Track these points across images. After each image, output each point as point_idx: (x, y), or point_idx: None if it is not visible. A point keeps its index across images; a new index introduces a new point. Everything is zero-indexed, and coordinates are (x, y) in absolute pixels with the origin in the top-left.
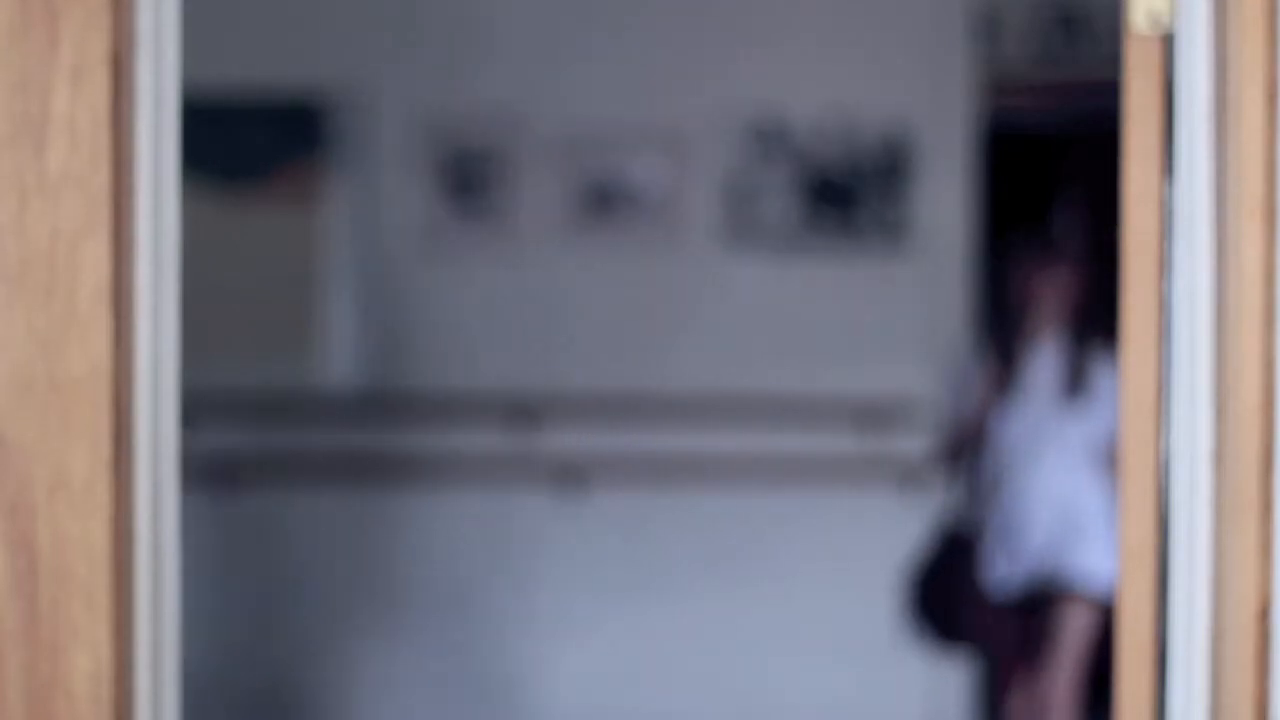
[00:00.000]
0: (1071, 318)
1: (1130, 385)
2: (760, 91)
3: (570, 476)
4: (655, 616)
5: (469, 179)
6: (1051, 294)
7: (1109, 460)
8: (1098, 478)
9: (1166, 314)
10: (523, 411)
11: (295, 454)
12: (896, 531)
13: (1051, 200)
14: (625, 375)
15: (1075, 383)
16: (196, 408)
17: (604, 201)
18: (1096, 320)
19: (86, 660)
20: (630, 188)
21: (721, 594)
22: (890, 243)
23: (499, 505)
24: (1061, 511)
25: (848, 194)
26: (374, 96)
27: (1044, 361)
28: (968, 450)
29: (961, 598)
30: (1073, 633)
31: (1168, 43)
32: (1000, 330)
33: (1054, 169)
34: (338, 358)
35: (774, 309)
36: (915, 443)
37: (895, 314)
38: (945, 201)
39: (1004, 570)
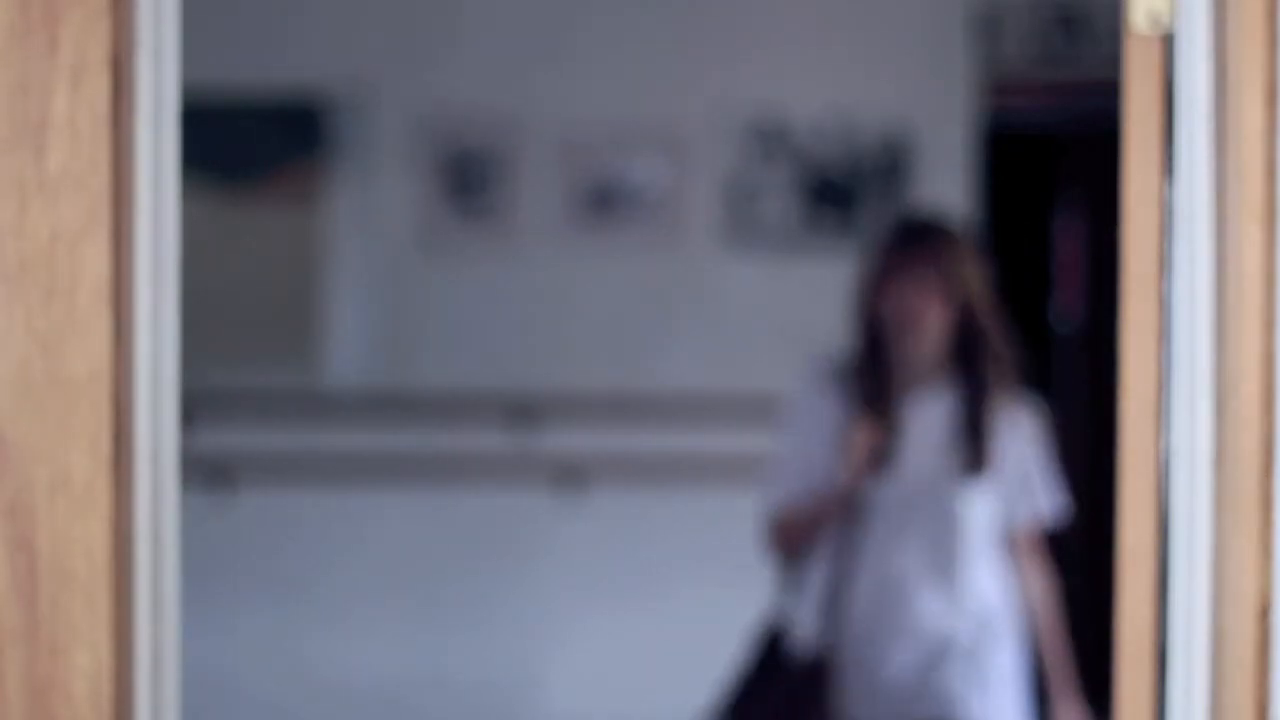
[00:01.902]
0: (964, 357)
1: (1130, 385)
2: (760, 91)
3: (570, 476)
4: (655, 616)
5: (469, 179)
6: (936, 323)
7: (1021, 555)
8: (1003, 583)
9: (1166, 314)
10: (523, 411)
11: (295, 454)
12: None
13: (1051, 200)
14: (625, 375)
15: (975, 449)
16: (196, 408)
17: (604, 201)
18: (995, 360)
19: (86, 660)
20: (630, 188)
21: (721, 594)
22: None
23: (499, 505)
24: (953, 631)
25: (848, 194)
26: (374, 96)
27: (928, 419)
28: (819, 539)
29: None
30: None
31: (1168, 43)
32: (868, 371)
33: (1054, 169)
34: (337, 358)
35: (774, 309)
36: None
37: None
38: (945, 201)
39: (863, 714)
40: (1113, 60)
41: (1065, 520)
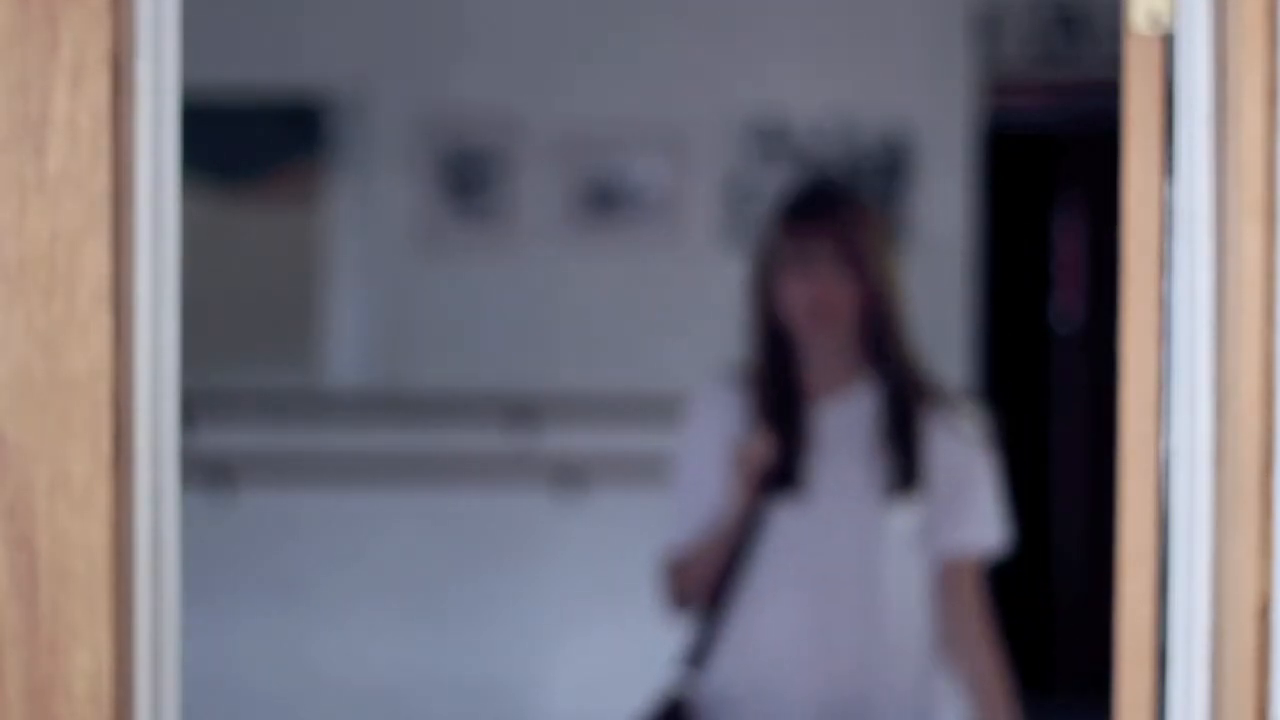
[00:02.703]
0: (883, 350)
1: (1130, 385)
2: (760, 91)
3: (570, 476)
4: (655, 616)
5: (469, 179)
6: (849, 310)
7: (953, 592)
8: (932, 623)
9: (1166, 314)
10: (522, 411)
11: (295, 454)
12: None
13: (1051, 200)
14: (625, 375)
15: (901, 462)
16: (196, 408)
17: (604, 201)
18: (910, 354)
19: (86, 660)
20: (630, 188)
21: None
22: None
23: (498, 505)
24: (870, 684)
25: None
26: (374, 96)
27: (843, 427)
28: (714, 582)
29: None
30: None
31: (1168, 43)
32: (770, 374)
33: (1054, 169)
34: (337, 357)
35: None
36: None
37: None
38: (945, 201)
39: None
40: (1113, 60)
41: (1006, 553)
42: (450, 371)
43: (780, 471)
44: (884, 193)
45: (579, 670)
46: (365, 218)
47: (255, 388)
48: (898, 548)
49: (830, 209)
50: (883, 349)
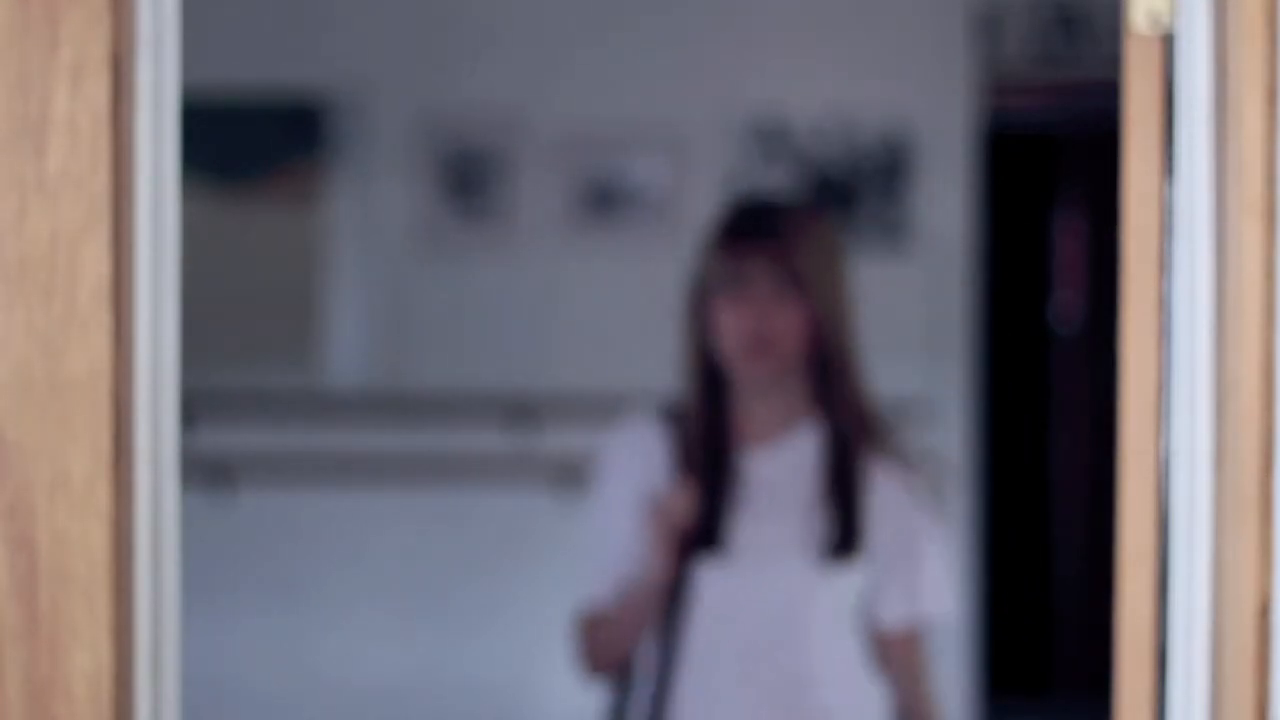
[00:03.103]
0: (827, 389)
1: (1130, 385)
2: (760, 91)
3: (570, 476)
4: None
5: (469, 179)
6: (792, 342)
7: (891, 664)
8: (867, 699)
9: (1166, 314)
10: (523, 411)
11: (295, 454)
12: None
13: (1051, 200)
14: (625, 375)
15: (840, 517)
16: (196, 408)
17: (604, 201)
18: (858, 396)
19: (86, 660)
20: (630, 188)
21: None
22: (890, 242)
23: (499, 505)
24: None
25: (848, 194)
26: (374, 96)
27: (778, 477)
28: (633, 649)
29: None
30: None
31: (1168, 43)
32: (700, 417)
33: (1054, 169)
34: (337, 357)
35: None
36: (915, 443)
37: (895, 314)
38: (945, 201)
39: None
40: (1113, 60)
41: (948, 625)
42: (450, 371)
43: (703, 529)
44: (884, 193)
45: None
46: (365, 218)
47: (255, 388)
48: (833, 617)
49: (770, 225)
50: (829, 387)
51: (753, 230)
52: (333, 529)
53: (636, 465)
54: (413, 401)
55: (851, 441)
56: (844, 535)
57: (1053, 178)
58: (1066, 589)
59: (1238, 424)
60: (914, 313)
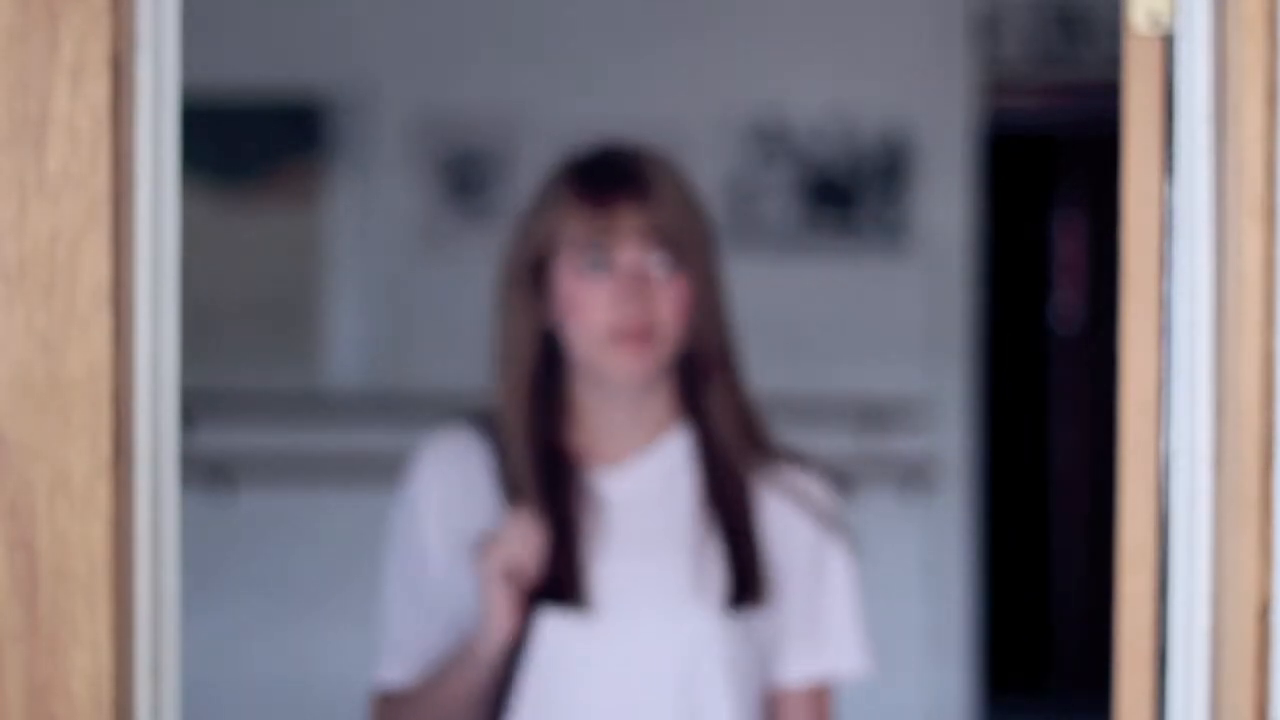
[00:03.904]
0: (700, 388)
1: (1130, 385)
2: (760, 91)
3: None
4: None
5: (469, 179)
6: (663, 328)
7: None
8: None
9: (1166, 314)
10: None
11: (295, 454)
12: (895, 532)
13: (1051, 200)
14: None
15: (732, 562)
16: (196, 408)
17: None
18: (745, 402)
19: (86, 660)
20: None
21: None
22: (890, 243)
23: None
24: None
25: (848, 194)
26: (374, 96)
27: (642, 503)
28: None
29: None
30: None
31: (1168, 43)
32: (533, 429)
33: (1054, 169)
34: (337, 357)
35: (774, 309)
36: (915, 443)
37: (895, 314)
38: (945, 201)
39: None
40: (1113, 60)
41: (862, 679)
42: (450, 371)
43: (550, 575)
44: (884, 193)
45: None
46: (365, 218)
47: (255, 388)
48: (725, 677)
49: (636, 175)
50: (704, 383)
51: (617, 181)
52: (333, 529)
53: (454, 492)
54: (413, 401)
55: (733, 455)
56: (743, 576)
57: (1053, 178)
58: (1066, 589)
59: (1238, 424)
60: (914, 313)
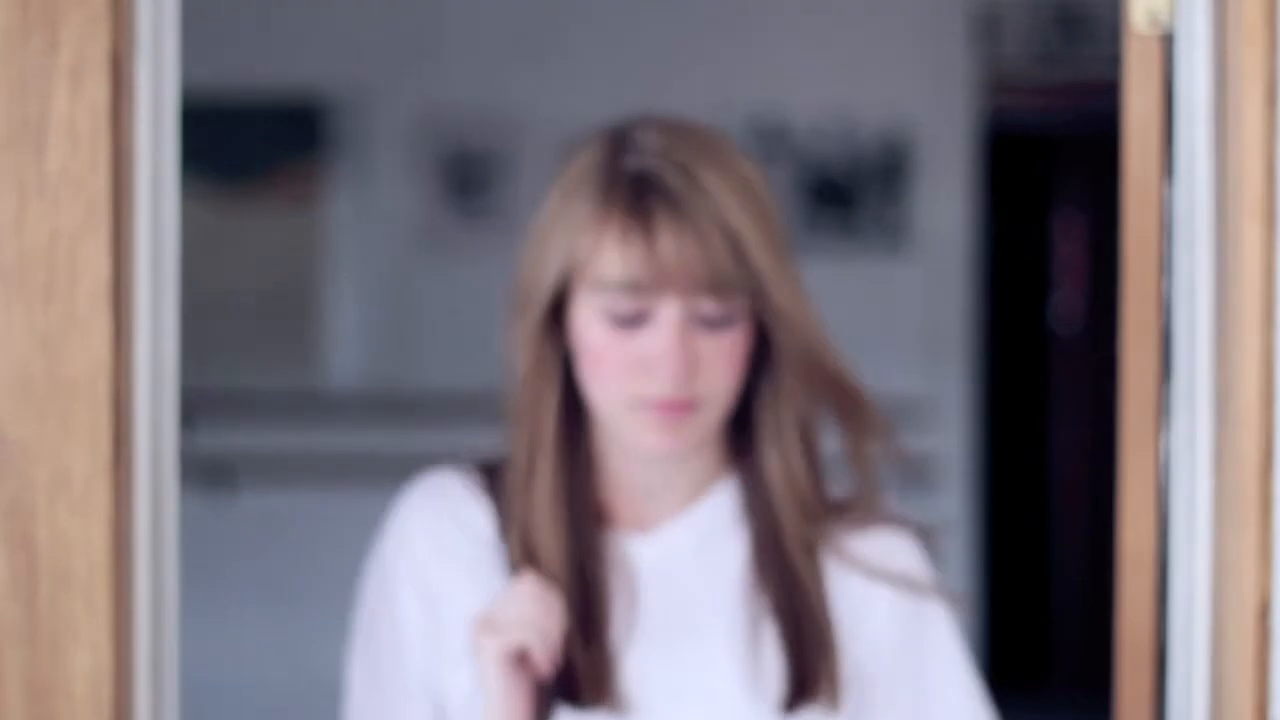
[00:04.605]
0: (760, 431)
1: (1130, 385)
2: (760, 91)
3: None
4: None
5: (469, 179)
6: (719, 386)
7: None
8: None
9: (1166, 314)
10: None
11: (295, 454)
12: None
13: (1051, 200)
14: None
15: (801, 652)
16: (196, 408)
17: None
18: (848, 419)
19: (86, 660)
20: None
21: None
22: (890, 243)
23: None
24: None
25: (848, 194)
26: (374, 96)
27: (685, 587)
28: None
29: None
30: None
31: (1168, 43)
32: (552, 485)
33: (1054, 169)
34: (338, 358)
35: None
36: (915, 443)
37: (895, 314)
38: (945, 201)
39: None
40: (1113, 60)
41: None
42: (450, 371)
43: (569, 663)
44: (884, 193)
45: None
46: (365, 218)
47: (255, 388)
48: None
49: (687, 189)
50: (758, 431)
51: (662, 198)
52: (333, 529)
53: (442, 551)
54: (413, 401)
55: (794, 510)
56: (806, 669)
57: (1053, 178)
58: (1066, 588)
59: (1238, 424)
60: (914, 313)
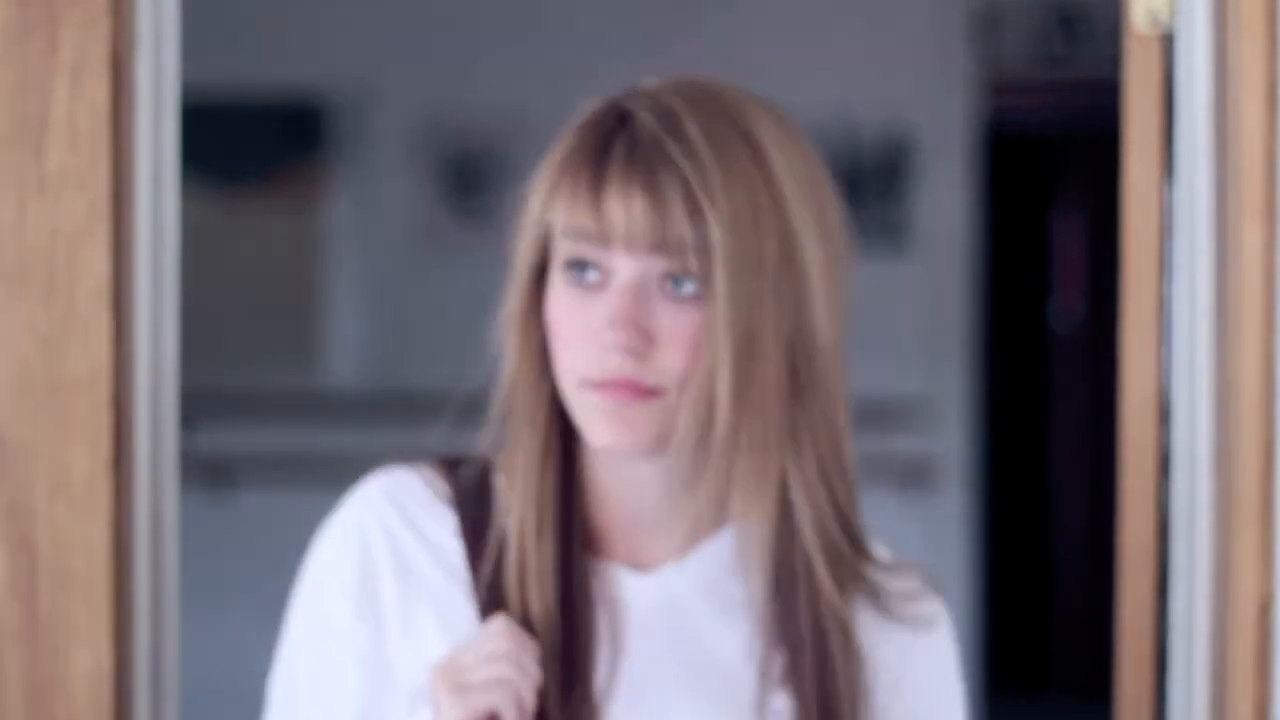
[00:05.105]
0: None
1: (1130, 385)
2: (760, 91)
3: None
4: None
5: (469, 179)
6: (691, 406)
7: None
8: None
9: (1166, 314)
10: None
11: (295, 454)
12: (895, 532)
13: (1051, 200)
14: None
15: (813, 699)
16: (196, 408)
17: None
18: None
19: (86, 660)
20: None
21: None
22: (890, 243)
23: None
24: None
25: (848, 194)
26: (374, 96)
27: (682, 633)
28: None
29: None
30: None
31: (1168, 43)
32: (542, 497)
33: (1054, 169)
34: (338, 358)
35: None
36: (915, 443)
37: (895, 314)
38: (946, 201)
39: None
40: (1113, 60)
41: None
42: (450, 371)
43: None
44: (884, 193)
45: None
46: (365, 218)
47: (255, 388)
48: None
49: (662, 139)
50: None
51: (629, 149)
52: None
53: (404, 577)
54: (413, 401)
55: (818, 554)
56: None
57: (1053, 178)
58: (1066, 589)
59: (1238, 424)
60: (914, 313)
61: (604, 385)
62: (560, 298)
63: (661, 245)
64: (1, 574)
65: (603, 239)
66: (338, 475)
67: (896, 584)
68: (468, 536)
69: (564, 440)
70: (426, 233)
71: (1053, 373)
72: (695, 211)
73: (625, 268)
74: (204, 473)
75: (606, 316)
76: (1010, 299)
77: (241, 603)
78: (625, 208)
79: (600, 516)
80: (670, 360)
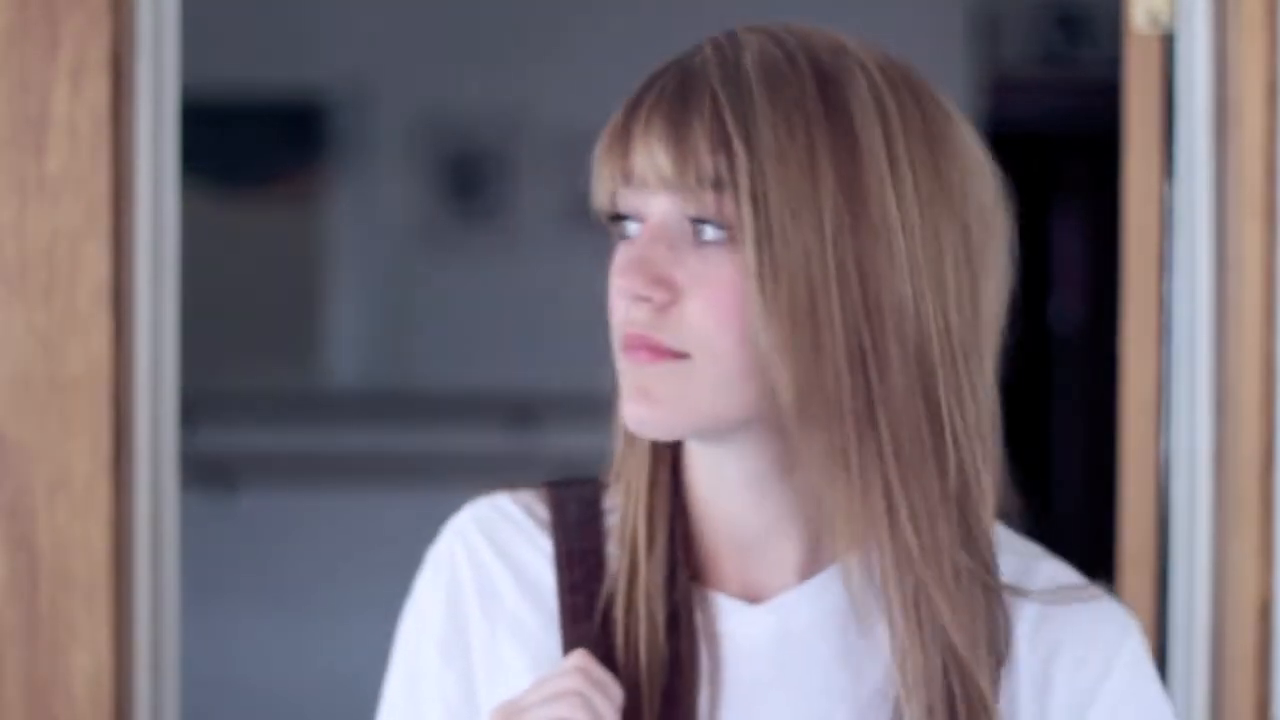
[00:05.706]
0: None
1: (1130, 385)
2: None
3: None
4: None
5: (469, 179)
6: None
7: None
8: None
9: (1166, 314)
10: (523, 411)
11: (295, 454)
12: None
13: (1051, 200)
14: None
15: None
16: (196, 408)
17: None
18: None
19: (86, 660)
20: None
21: None
22: None
23: None
24: None
25: None
26: (374, 96)
27: (791, 668)
28: None
29: None
30: None
31: (1168, 43)
32: (639, 526)
33: (1054, 169)
34: (338, 358)
35: None
36: None
37: None
38: None
39: None
40: (1113, 60)
41: None
42: (450, 371)
43: None
44: None
45: None
46: (365, 218)
47: (255, 388)
48: None
49: (702, 83)
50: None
51: (672, 82)
52: (333, 529)
53: (479, 603)
54: (413, 401)
55: (933, 597)
56: None
57: (1053, 178)
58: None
59: (1238, 424)
60: None
61: (624, 346)
62: (614, 258)
63: (681, 183)
64: (1, 574)
65: (626, 179)
66: (338, 475)
67: (1101, 618)
68: (562, 564)
69: (673, 455)
70: (426, 232)
71: (1053, 373)
72: (724, 144)
73: (653, 211)
74: (204, 473)
75: (622, 259)
76: (1010, 299)
77: (241, 603)
78: (645, 141)
79: (705, 540)
80: (694, 315)
